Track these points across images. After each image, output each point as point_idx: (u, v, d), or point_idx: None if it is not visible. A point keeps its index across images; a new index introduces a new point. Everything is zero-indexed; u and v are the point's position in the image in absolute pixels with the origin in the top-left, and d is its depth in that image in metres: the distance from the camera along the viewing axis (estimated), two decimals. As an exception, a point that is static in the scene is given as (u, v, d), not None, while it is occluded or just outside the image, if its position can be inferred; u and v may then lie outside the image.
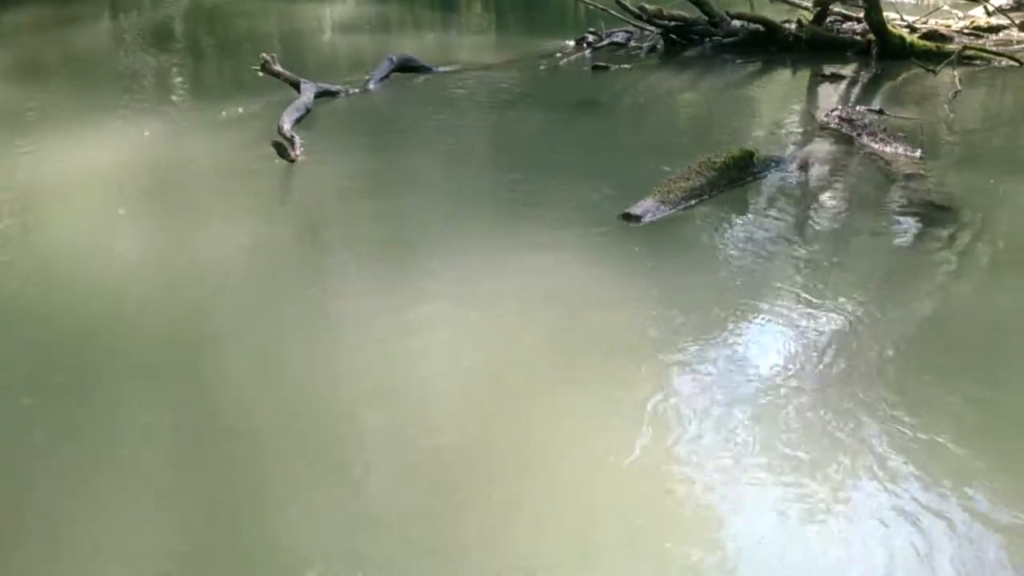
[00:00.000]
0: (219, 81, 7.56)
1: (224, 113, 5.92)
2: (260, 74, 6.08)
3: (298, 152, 4.88)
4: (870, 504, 2.33)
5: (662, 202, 4.36)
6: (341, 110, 6.10)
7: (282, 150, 4.69)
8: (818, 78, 6.97)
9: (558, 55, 7.71)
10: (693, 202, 4.43)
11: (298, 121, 5.41)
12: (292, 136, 5.00)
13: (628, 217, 4.25)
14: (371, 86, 6.50)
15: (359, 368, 3.06)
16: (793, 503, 2.34)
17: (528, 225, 4.22)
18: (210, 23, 10.18)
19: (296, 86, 5.87)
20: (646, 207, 4.31)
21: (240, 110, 5.97)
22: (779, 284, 3.61)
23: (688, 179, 4.55)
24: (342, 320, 3.40)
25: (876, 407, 2.72)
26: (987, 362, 3.08)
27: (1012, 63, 6.71)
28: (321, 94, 6.01)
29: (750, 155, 4.79)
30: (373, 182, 4.83)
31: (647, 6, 7.75)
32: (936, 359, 3.09)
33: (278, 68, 5.96)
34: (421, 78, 6.93)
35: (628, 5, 7.75)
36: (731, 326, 3.27)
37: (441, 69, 7.08)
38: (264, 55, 6.00)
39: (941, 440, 2.56)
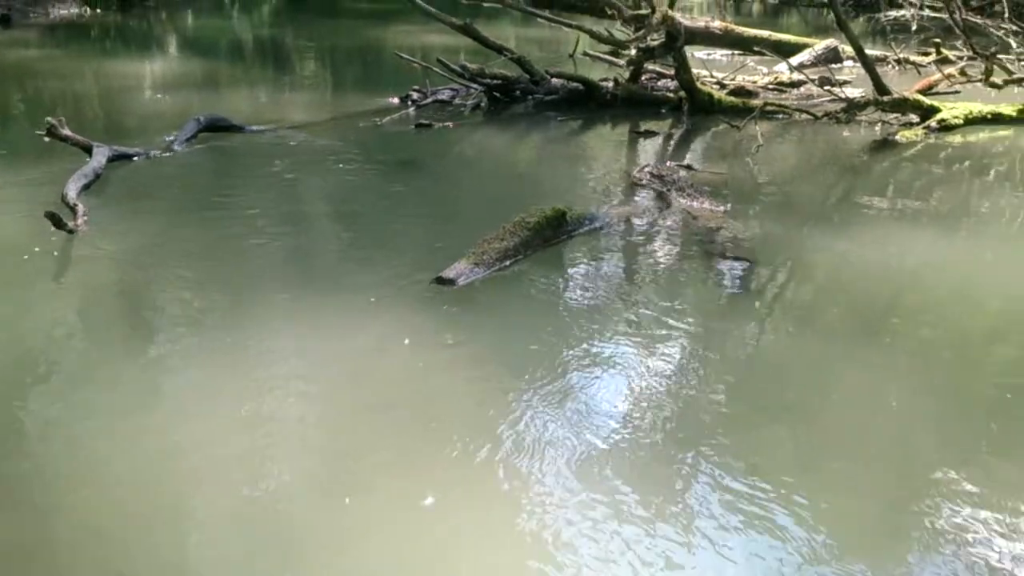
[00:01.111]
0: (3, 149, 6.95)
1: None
2: (46, 139, 5.61)
3: (80, 221, 4.48)
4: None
5: (476, 264, 4.28)
6: (139, 174, 5.71)
7: (57, 220, 4.28)
8: (634, 135, 7.17)
9: (382, 112, 7.61)
10: (508, 263, 4.37)
11: (86, 188, 5.01)
12: (76, 204, 4.61)
13: (441, 281, 4.13)
14: (176, 147, 6.16)
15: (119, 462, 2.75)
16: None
17: (336, 293, 4.03)
18: (14, 82, 9.48)
19: (88, 150, 5.46)
20: (460, 270, 4.21)
21: (20, 178, 5.48)
22: (590, 339, 3.59)
23: (503, 240, 4.50)
24: (98, 409, 3.06)
25: (692, 457, 2.71)
26: (782, 402, 3.18)
27: (808, 116, 7.12)
28: (116, 158, 5.61)
29: (563, 214, 4.79)
30: (161, 251, 4.48)
31: (469, 65, 7.80)
32: (737, 403, 3.16)
33: (67, 132, 5.53)
34: (234, 138, 6.64)
35: (449, 63, 7.77)
36: (544, 385, 3.21)
37: (256, 128, 6.81)
38: (50, 119, 5.55)
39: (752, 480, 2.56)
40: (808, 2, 13.58)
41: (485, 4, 7.71)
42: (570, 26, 8.19)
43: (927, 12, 8.10)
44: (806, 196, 5.93)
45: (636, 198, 5.56)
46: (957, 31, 7.65)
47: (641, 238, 5.04)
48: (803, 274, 4.66)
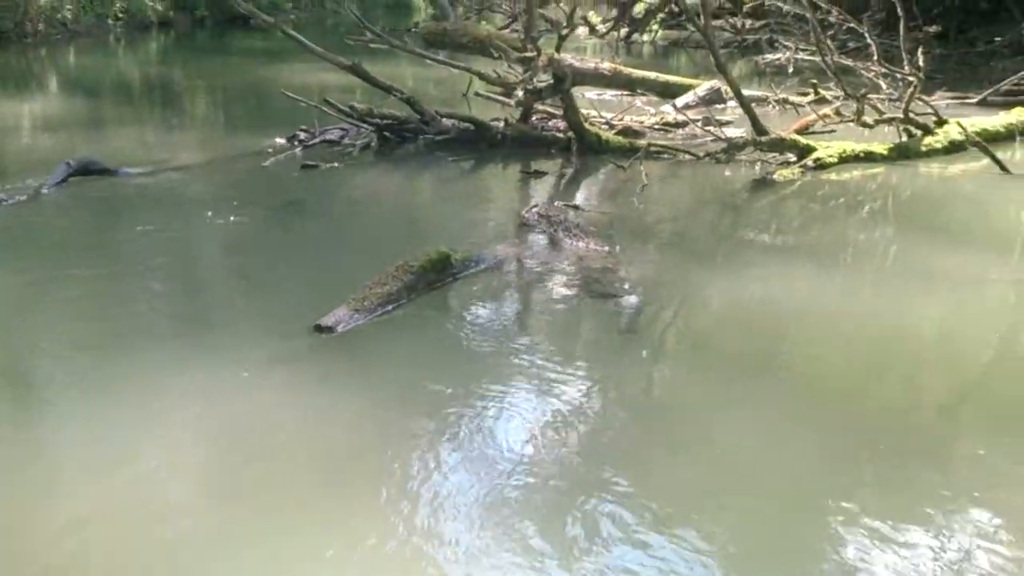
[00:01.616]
0: None
1: None
2: None
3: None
4: None
5: (356, 310, 4.17)
6: None
7: None
8: (523, 175, 7.20)
9: (268, 153, 7.44)
10: (391, 308, 4.28)
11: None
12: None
13: (320, 329, 4.01)
14: (44, 191, 5.86)
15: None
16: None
17: (210, 344, 3.86)
18: None
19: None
20: (339, 317, 4.09)
21: None
22: (474, 383, 3.54)
23: (385, 285, 4.41)
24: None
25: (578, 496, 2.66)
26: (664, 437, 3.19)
27: (690, 157, 7.29)
28: (-29, 204, 5.29)
29: (447, 256, 4.74)
30: (8, 309, 4.21)
31: (357, 105, 7.72)
32: (630, 441, 3.19)
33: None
34: (110, 182, 6.36)
35: (337, 103, 7.67)
36: (426, 432, 3.15)
37: (132, 171, 6.55)
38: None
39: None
40: (695, 44, 14.00)
41: (372, 45, 7.63)
42: (457, 67, 8.22)
43: (801, 55, 8.42)
44: (690, 234, 6.05)
45: (524, 239, 5.55)
46: (829, 74, 7.97)
47: (527, 279, 5.04)
48: (689, 311, 4.72)
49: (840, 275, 5.20)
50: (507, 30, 13.56)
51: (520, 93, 6.94)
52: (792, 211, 6.61)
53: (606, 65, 10.12)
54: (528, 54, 6.89)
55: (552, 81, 7.29)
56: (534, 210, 5.93)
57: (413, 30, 15.42)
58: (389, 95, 7.85)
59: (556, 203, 6.15)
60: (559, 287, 4.85)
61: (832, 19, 8.37)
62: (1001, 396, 3.74)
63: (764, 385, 3.68)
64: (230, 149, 7.65)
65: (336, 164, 7.15)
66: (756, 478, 2.97)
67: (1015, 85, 10.71)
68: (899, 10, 7.88)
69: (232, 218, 5.66)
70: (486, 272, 4.88)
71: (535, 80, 7.02)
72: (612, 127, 8.32)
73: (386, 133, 7.80)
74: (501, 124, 7.81)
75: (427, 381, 3.57)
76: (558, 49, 7.57)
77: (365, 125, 7.81)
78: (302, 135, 7.78)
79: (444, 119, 7.82)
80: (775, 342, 4.20)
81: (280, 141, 7.74)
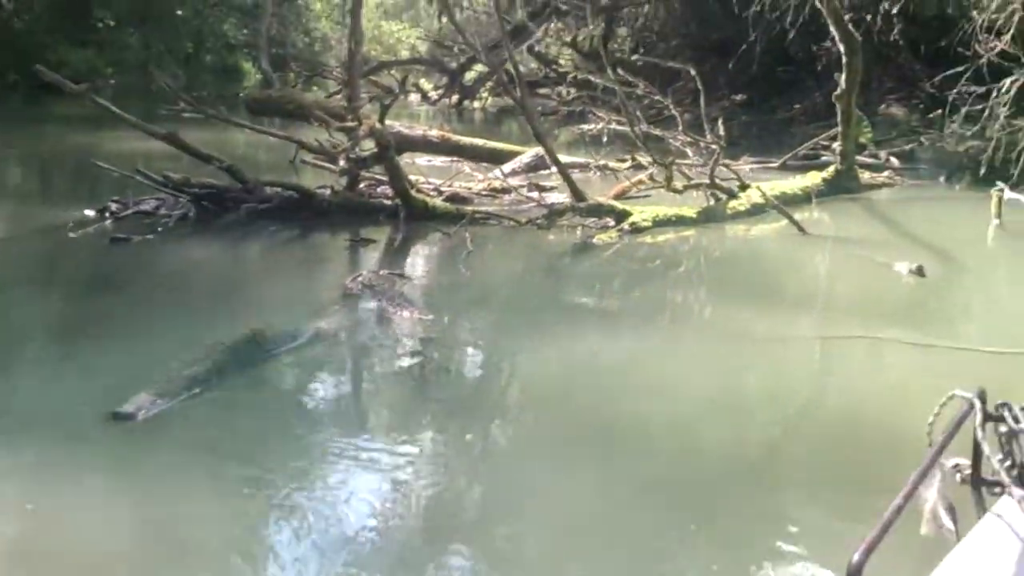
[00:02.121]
0: None
1: None
2: None
3: None
4: None
5: (159, 395, 3.93)
6: None
7: None
8: (349, 243, 7.14)
9: (76, 226, 7.02)
10: (198, 390, 4.08)
11: None
12: None
13: (119, 416, 3.76)
14: None
15: None
16: None
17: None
18: None
19: None
20: (140, 403, 3.84)
21: None
22: (280, 469, 3.39)
23: (192, 366, 4.21)
24: None
25: None
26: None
27: (514, 223, 7.46)
28: None
29: (261, 333, 4.59)
30: None
31: (173, 174, 7.45)
32: (461, 514, 3.14)
33: None
34: None
35: (151, 173, 7.38)
36: (229, 522, 3.00)
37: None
38: None
39: None
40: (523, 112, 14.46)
41: (186, 115, 7.43)
42: (277, 136, 8.12)
43: (614, 126, 8.88)
44: (515, 299, 6.15)
45: (347, 310, 5.47)
46: (638, 143, 8.43)
47: (349, 352, 4.96)
48: (515, 378, 4.77)
49: (659, 335, 5.41)
50: (337, 97, 13.55)
51: (342, 163, 6.91)
52: (612, 274, 6.86)
53: (434, 132, 10.30)
54: (350, 124, 6.89)
55: (376, 149, 7.31)
56: (358, 280, 5.87)
57: (241, 95, 15.17)
58: (208, 163, 7.65)
59: (382, 272, 6.10)
60: (382, 359, 4.80)
61: (639, 91, 8.86)
62: (812, 450, 3.91)
63: (592, 447, 3.72)
64: (36, 222, 7.22)
65: (150, 236, 6.85)
66: (590, 539, 3.00)
67: (811, 149, 11.69)
68: (698, 84, 8.45)
69: (29, 298, 5.29)
70: (305, 347, 4.75)
71: (358, 149, 7.01)
72: (440, 193, 8.42)
73: (204, 203, 7.55)
74: (327, 192, 7.75)
75: (234, 466, 3.41)
76: (383, 117, 7.62)
77: (182, 195, 7.54)
78: (114, 206, 7.41)
79: (267, 187, 7.67)
80: (602, 404, 4.24)
81: (90, 213, 7.33)
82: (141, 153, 9.47)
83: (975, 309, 6.15)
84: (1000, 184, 8.72)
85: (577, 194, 7.57)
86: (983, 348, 4.90)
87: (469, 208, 7.76)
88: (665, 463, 3.64)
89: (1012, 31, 8.38)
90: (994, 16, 8.58)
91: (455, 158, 10.20)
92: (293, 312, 5.24)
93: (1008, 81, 9.11)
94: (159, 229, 7.10)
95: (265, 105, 10.97)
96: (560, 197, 8.17)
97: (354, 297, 5.61)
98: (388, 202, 7.88)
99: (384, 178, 8.25)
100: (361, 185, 8.13)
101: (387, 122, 7.94)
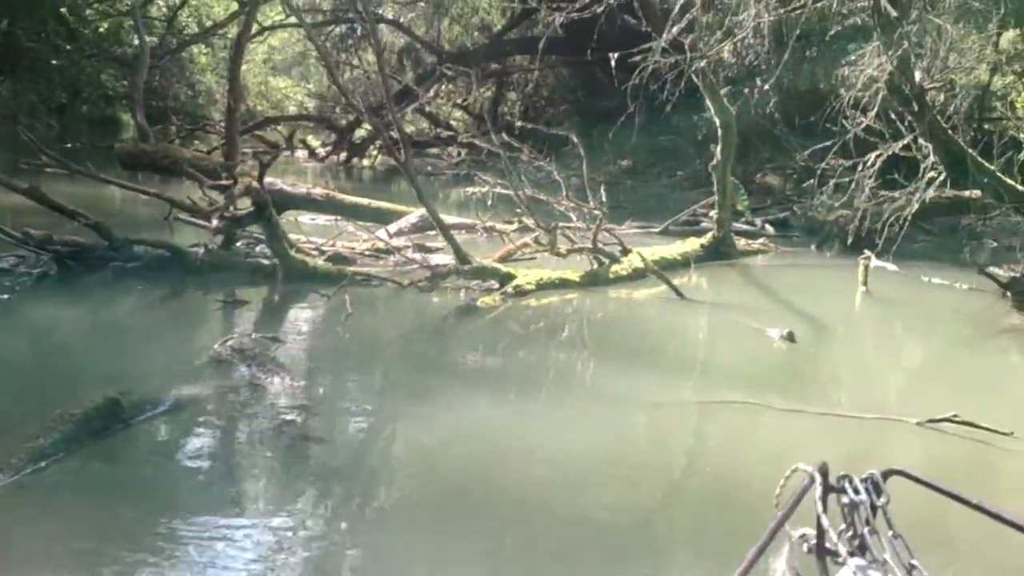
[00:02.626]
0: None
1: None
2: None
3: None
4: None
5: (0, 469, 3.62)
6: None
7: None
8: (222, 304, 6.85)
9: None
10: (45, 464, 3.75)
11: None
12: None
13: (-52, 495, 3.42)
14: None
15: None
16: None
17: None
18: None
19: None
20: (-27, 479, 3.52)
21: None
22: (131, 543, 3.16)
23: (39, 438, 3.89)
24: None
25: None
26: None
27: (397, 284, 7.33)
28: None
29: (117, 401, 4.29)
30: None
31: (32, 231, 7.02)
32: None
33: None
34: None
35: (9, 229, 6.93)
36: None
37: None
38: None
39: None
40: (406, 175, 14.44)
41: (49, 170, 7.05)
42: (145, 193, 7.79)
43: (499, 189, 8.92)
44: (395, 364, 6.00)
45: (215, 375, 5.19)
46: (522, 207, 8.49)
47: (214, 421, 4.68)
48: (394, 446, 4.61)
49: (542, 399, 5.37)
50: (217, 152, 13.20)
51: (215, 222, 6.67)
52: (496, 337, 6.80)
53: (319, 191, 10.11)
54: (225, 182, 6.66)
55: (253, 208, 7.09)
56: (228, 344, 5.60)
57: (116, 147, 14.58)
58: (74, 220, 7.24)
59: (254, 335, 5.85)
60: (251, 429, 4.55)
61: (524, 157, 8.97)
62: (687, 516, 3.95)
63: (475, 515, 3.64)
64: None
65: (5, 296, 6.39)
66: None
67: (691, 216, 12.08)
68: (582, 151, 8.61)
69: None
70: (167, 415, 4.48)
71: (232, 208, 6.78)
72: (322, 253, 8.22)
73: (68, 260, 7.14)
74: (200, 250, 7.44)
75: (79, 543, 3.13)
76: (262, 175, 7.41)
77: (44, 252, 7.10)
78: (-34, 263, 6.92)
79: (135, 245, 7.31)
80: (485, 470, 4.16)
81: (-63, 271, 6.82)
82: (8, 207, 8.95)
83: (842, 374, 6.36)
84: (867, 252, 9.17)
85: (461, 256, 7.52)
86: (850, 414, 5.06)
87: (351, 269, 7.60)
88: (546, 530, 3.57)
89: (876, 108, 8.89)
90: (860, 94, 9.10)
91: (339, 217, 10.02)
92: (156, 378, 4.95)
93: (873, 155, 9.65)
94: (17, 288, 6.65)
95: (138, 159, 10.55)
96: (445, 259, 8.09)
97: (224, 362, 5.35)
98: (266, 261, 7.63)
99: (262, 236, 8.03)
100: (238, 243, 7.87)
101: (271, 179, 7.75)
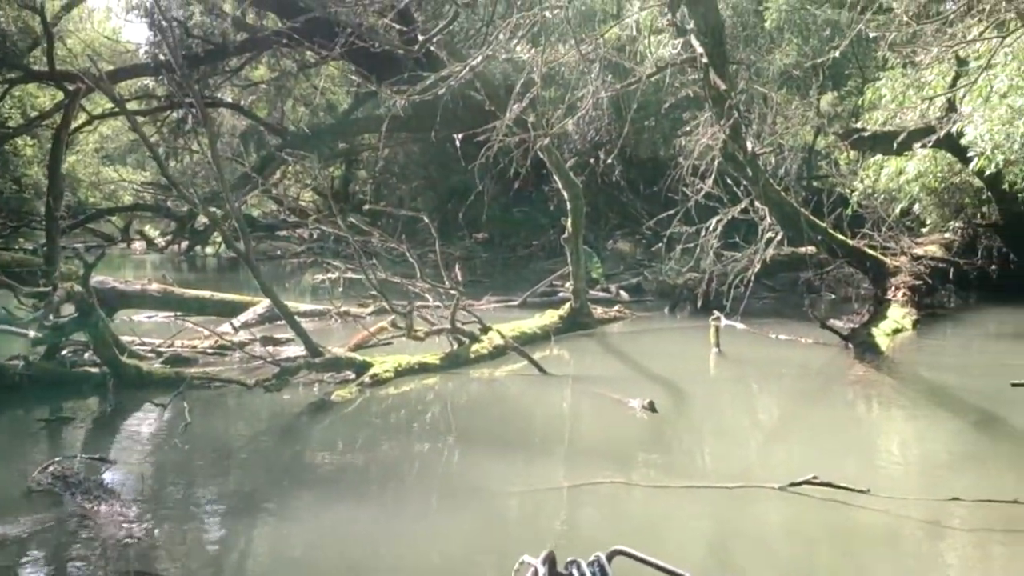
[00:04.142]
0: None
1: None
2: None
3: None
4: None
5: None
6: None
7: None
8: (44, 423, 6.20)
9: None
10: None
11: None
12: None
13: None
14: None
15: None
16: None
17: None
18: None
19: None
20: None
21: None
22: None
23: None
24: None
25: None
26: None
27: (243, 387, 6.85)
28: None
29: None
30: None
31: None
32: None
33: None
34: None
35: None
36: None
37: None
38: None
39: None
40: (262, 256, 13.93)
41: None
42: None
43: (350, 274, 8.65)
44: (242, 475, 5.54)
45: (32, 510, 4.61)
46: (375, 291, 8.24)
47: (30, 564, 4.12)
48: (242, 571, 4.18)
49: (405, 495, 5.09)
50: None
51: (32, 333, 6.06)
52: (354, 431, 6.43)
53: (155, 286, 9.50)
54: (43, 288, 6.09)
55: (78, 314, 6.51)
56: (49, 470, 5.02)
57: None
58: None
59: (79, 458, 5.26)
60: (65, 571, 4.03)
61: (375, 240, 8.76)
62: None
63: None
64: None
65: None
66: None
67: (549, 286, 12.14)
68: (433, 231, 8.49)
69: None
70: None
71: (52, 316, 6.20)
72: (159, 355, 7.67)
73: None
74: (19, 363, 6.76)
75: None
76: (87, 276, 6.82)
77: None
78: None
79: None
80: None
81: None
82: None
83: (704, 442, 6.37)
84: (716, 313, 9.41)
85: (312, 348, 7.15)
86: (714, 484, 5.02)
87: (191, 371, 7.09)
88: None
89: (714, 175, 9.23)
90: (698, 161, 9.43)
91: (180, 313, 9.44)
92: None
93: (714, 220, 10.00)
94: None
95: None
96: (296, 351, 7.69)
97: (44, 492, 4.78)
98: (95, 370, 7.00)
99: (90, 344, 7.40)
100: (63, 352, 7.20)
101: (102, 277, 7.18)
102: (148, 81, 19.62)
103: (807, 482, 4.78)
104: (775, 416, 7.34)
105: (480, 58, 8.30)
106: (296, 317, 7.60)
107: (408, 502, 4.98)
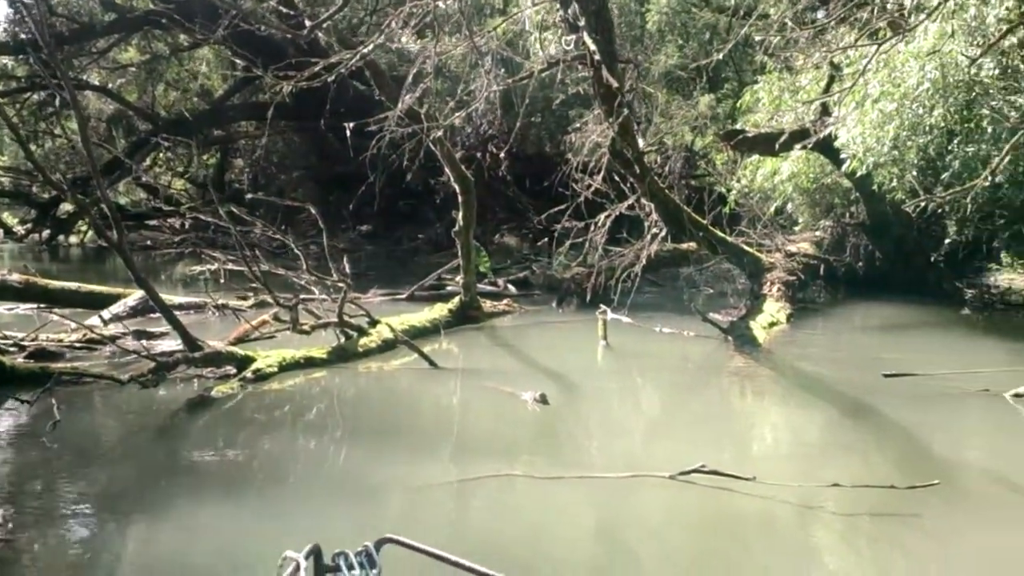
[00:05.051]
0: None
1: None
2: None
3: None
4: None
5: None
6: None
7: None
8: None
9: None
10: None
11: None
12: None
13: None
14: None
15: None
16: None
17: None
18: None
19: None
20: None
21: None
22: None
23: None
24: None
25: None
26: None
27: (116, 382, 6.46)
28: None
29: None
30: None
31: None
32: None
33: None
34: None
35: None
36: None
37: None
38: None
39: None
40: (131, 245, 13.23)
41: None
42: None
43: (230, 265, 8.30)
44: (115, 474, 5.21)
45: None
46: (259, 284, 7.93)
47: None
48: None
49: (289, 495, 4.88)
50: None
51: None
52: (233, 429, 6.16)
53: (15, 276, 8.87)
54: None
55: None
56: None
57: None
58: None
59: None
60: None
61: (257, 231, 8.43)
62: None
63: None
64: None
65: None
66: None
67: (437, 280, 12.03)
68: (320, 222, 8.24)
69: None
70: None
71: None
72: (22, 349, 7.16)
73: None
74: None
75: None
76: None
77: None
78: None
79: None
80: None
81: None
82: None
83: (595, 433, 6.43)
84: (603, 307, 9.55)
85: (190, 342, 6.82)
86: (606, 475, 5.06)
87: (58, 366, 6.64)
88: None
89: (603, 172, 9.34)
90: (587, 158, 9.53)
91: (43, 305, 8.84)
92: None
93: (602, 216, 10.13)
94: None
95: None
96: (174, 344, 7.32)
97: None
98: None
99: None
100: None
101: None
102: (6, 61, 18.36)
103: (696, 471, 4.87)
104: (661, 407, 7.49)
105: (371, 46, 8.12)
106: (172, 310, 7.22)
107: (290, 501, 4.80)
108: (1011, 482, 5.12)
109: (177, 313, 7.45)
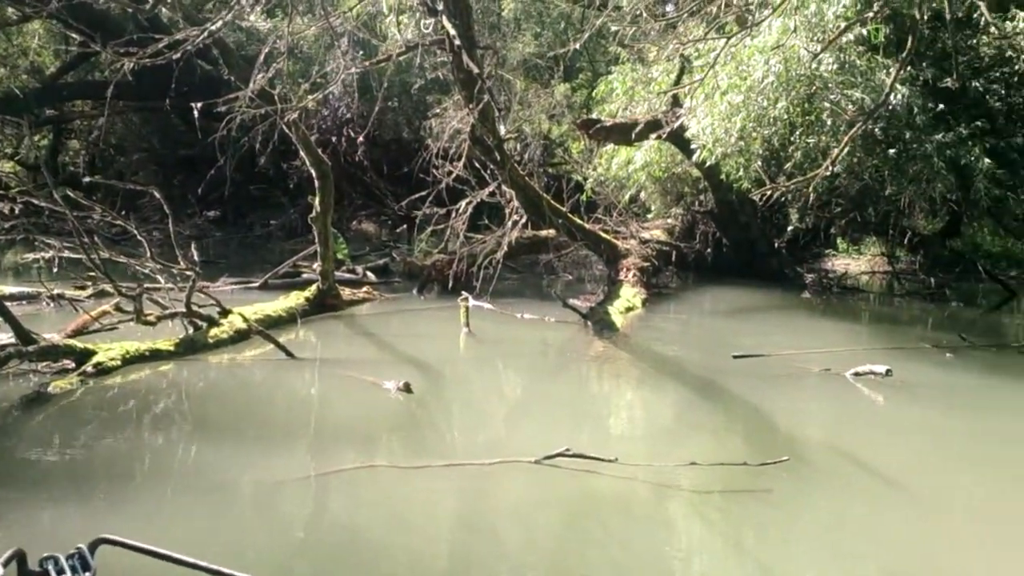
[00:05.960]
0: None
1: None
2: None
3: None
4: None
5: None
6: None
7: None
8: None
9: None
10: None
11: None
12: None
13: None
14: None
15: None
16: None
17: None
18: None
19: None
20: None
21: None
22: None
23: None
24: None
25: None
26: None
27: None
28: None
29: None
30: None
31: None
32: None
33: None
34: None
35: None
36: None
37: None
38: None
39: None
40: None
41: None
42: None
43: (67, 253, 7.74)
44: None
45: None
46: (98, 272, 7.42)
47: None
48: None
49: (133, 495, 4.59)
50: None
51: None
52: (72, 427, 5.72)
53: None
54: None
55: None
56: None
57: None
58: None
59: None
60: None
61: (96, 216, 7.89)
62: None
63: None
64: None
65: None
66: None
67: (292, 267, 11.65)
68: (166, 208, 7.80)
69: None
70: None
71: None
72: None
73: None
74: None
75: None
76: None
77: None
78: None
79: None
80: None
81: None
82: None
83: (460, 421, 6.41)
84: (464, 294, 9.53)
85: (23, 335, 6.30)
86: (473, 462, 5.05)
87: None
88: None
89: (463, 158, 9.29)
90: (447, 144, 9.45)
91: None
92: None
93: (464, 203, 10.09)
94: None
95: None
96: (4, 337, 6.74)
97: None
98: None
99: None
100: None
101: None
102: None
103: (560, 454, 4.93)
104: (524, 393, 7.55)
105: (220, 24, 7.73)
106: (3, 300, 6.65)
107: (134, 500, 4.51)
108: (854, 456, 5.46)
109: (8, 304, 6.85)
